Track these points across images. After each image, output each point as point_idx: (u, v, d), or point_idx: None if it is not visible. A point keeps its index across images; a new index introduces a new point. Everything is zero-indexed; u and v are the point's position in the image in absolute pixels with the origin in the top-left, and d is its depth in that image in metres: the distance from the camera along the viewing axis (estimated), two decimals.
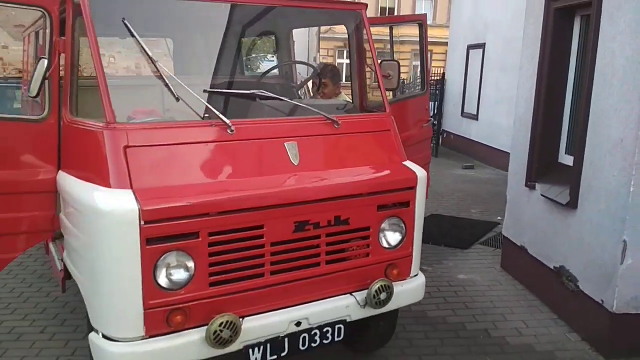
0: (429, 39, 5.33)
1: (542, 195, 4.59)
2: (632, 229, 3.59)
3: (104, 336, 2.57)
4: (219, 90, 3.33)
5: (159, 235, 2.48)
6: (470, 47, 13.52)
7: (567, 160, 4.65)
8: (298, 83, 4.62)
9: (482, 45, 12.73)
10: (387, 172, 3.17)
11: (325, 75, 4.11)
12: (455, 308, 4.57)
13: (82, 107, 2.96)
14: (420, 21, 5.41)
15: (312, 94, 4.04)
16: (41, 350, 3.85)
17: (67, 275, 3.19)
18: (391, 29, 4.48)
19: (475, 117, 12.81)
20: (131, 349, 2.52)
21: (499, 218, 7.23)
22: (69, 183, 2.80)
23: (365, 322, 3.31)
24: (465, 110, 13.48)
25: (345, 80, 4.23)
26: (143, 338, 2.55)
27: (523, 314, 4.48)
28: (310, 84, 4.46)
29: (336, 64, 21.18)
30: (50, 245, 3.68)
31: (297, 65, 5.05)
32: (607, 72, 3.81)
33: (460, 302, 4.68)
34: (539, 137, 4.77)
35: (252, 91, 3.05)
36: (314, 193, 2.84)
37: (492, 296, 4.82)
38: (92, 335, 2.63)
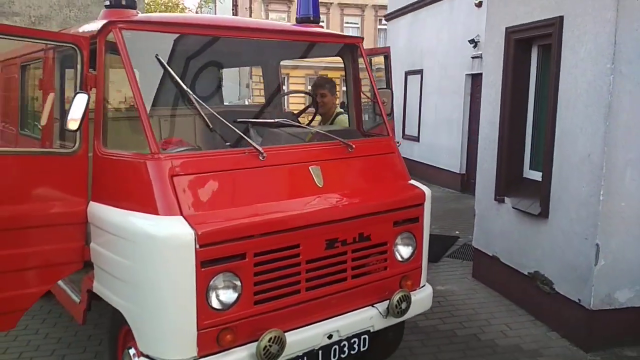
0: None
1: (513, 208, 5.03)
2: (603, 233, 4.05)
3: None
4: (253, 120, 3.50)
5: (211, 258, 2.61)
6: (408, 72, 14.27)
7: (532, 175, 5.13)
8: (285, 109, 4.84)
9: (419, 72, 13.49)
10: (399, 190, 3.45)
11: (324, 86, 4.33)
12: (442, 317, 4.88)
13: (113, 139, 3.04)
14: (385, 53, 5.81)
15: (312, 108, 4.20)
16: None
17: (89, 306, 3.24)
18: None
19: (416, 138, 13.47)
20: None
21: (457, 232, 7.70)
22: (108, 213, 2.86)
23: (374, 333, 3.52)
24: (406, 133, 14.13)
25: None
26: (195, 359, 2.65)
27: (504, 318, 4.86)
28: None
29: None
30: (60, 283, 3.64)
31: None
32: (571, 95, 4.31)
33: (445, 311, 4.99)
34: (505, 156, 5.23)
35: (277, 120, 3.25)
36: (343, 212, 3.07)
37: (472, 304, 5.18)
38: None
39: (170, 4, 18.32)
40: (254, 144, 2.99)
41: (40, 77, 4.00)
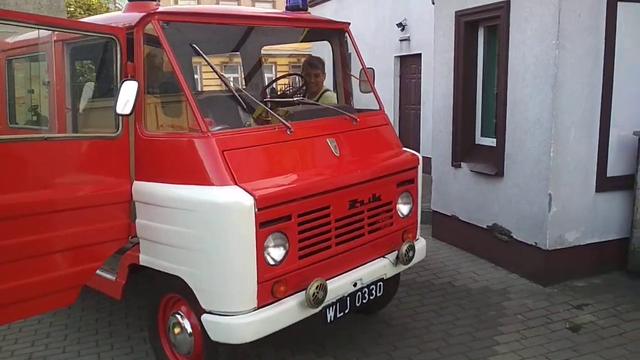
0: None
1: (471, 171, 5.72)
2: (554, 185, 4.80)
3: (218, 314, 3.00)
4: (279, 99, 3.85)
5: (266, 219, 2.99)
6: None
7: (484, 141, 5.85)
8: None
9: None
10: (399, 155, 3.96)
11: (317, 66, 4.67)
12: (417, 271, 5.47)
13: (152, 122, 3.30)
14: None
15: (303, 88, 4.56)
16: None
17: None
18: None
19: None
20: (250, 318, 2.98)
21: None
22: (160, 189, 3.13)
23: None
24: None
25: None
26: (255, 309, 3.02)
27: (470, 267, 5.55)
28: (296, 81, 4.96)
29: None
30: None
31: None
32: (520, 69, 5.01)
33: (418, 267, 5.56)
34: (460, 125, 5.90)
35: (295, 99, 3.64)
36: (361, 177, 3.53)
37: (439, 259, 5.84)
38: (206, 316, 3.03)
39: None
40: (283, 120, 3.36)
41: (40, 69, 4.09)
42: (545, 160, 4.80)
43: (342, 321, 4.18)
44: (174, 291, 3.36)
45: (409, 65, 12.03)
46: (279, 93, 4.72)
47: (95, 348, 4.16)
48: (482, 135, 5.92)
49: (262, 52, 5.33)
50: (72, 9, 16.66)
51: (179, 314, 3.40)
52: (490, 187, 5.53)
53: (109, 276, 3.65)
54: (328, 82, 4.88)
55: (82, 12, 17.12)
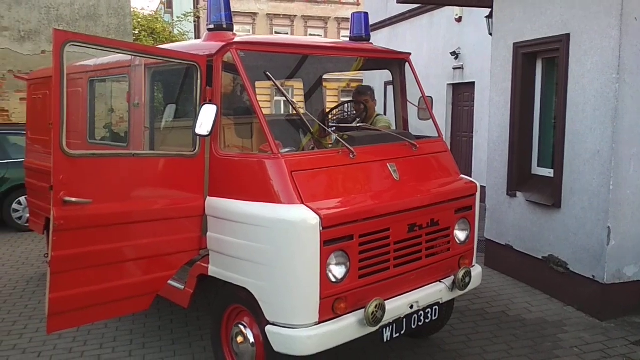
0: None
1: (527, 200, 5.72)
2: (613, 218, 4.76)
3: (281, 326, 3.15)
4: (343, 124, 4.05)
5: (330, 238, 3.14)
6: (387, 83, 15.02)
7: (540, 171, 5.85)
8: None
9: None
10: (457, 182, 4.06)
11: (366, 93, 4.85)
12: (470, 299, 5.49)
13: (226, 143, 3.53)
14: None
15: (357, 115, 4.75)
16: None
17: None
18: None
19: None
20: (312, 332, 3.12)
21: None
22: (231, 205, 3.35)
23: None
24: None
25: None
26: (316, 324, 3.16)
27: (524, 298, 5.52)
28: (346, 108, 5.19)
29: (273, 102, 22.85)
30: None
31: None
32: (579, 101, 5.04)
33: (471, 294, 5.59)
34: (516, 155, 5.93)
35: (357, 125, 3.81)
36: (421, 201, 3.65)
37: (492, 288, 5.83)
38: (270, 328, 3.19)
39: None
40: (347, 145, 3.53)
41: (124, 90, 4.42)
42: (605, 193, 4.79)
43: (395, 343, 4.27)
44: (239, 302, 3.54)
45: (462, 93, 12.09)
46: (333, 119, 4.90)
47: (159, 354, 4.38)
48: (538, 166, 5.93)
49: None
50: (136, 32, 17.54)
51: (242, 324, 3.57)
52: (546, 218, 5.52)
53: (178, 285, 3.87)
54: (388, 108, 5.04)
55: (147, 35, 18.00)
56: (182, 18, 20.14)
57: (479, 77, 11.16)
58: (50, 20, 12.78)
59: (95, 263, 3.09)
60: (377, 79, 15.61)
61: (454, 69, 11.98)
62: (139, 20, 18.18)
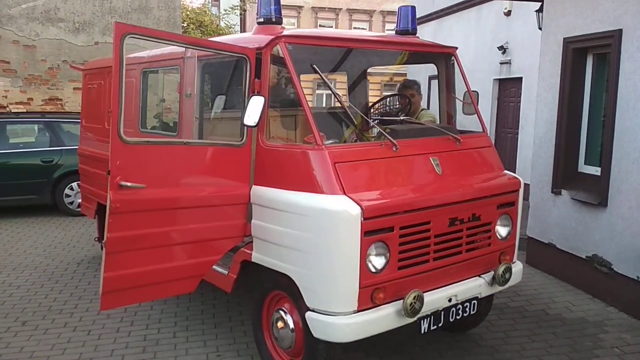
0: None
1: (572, 199, 5.63)
2: None
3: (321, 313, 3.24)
4: (387, 117, 4.11)
5: (370, 229, 3.20)
6: (432, 77, 14.88)
7: (587, 169, 5.74)
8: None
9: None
10: (501, 178, 4.05)
11: (412, 87, 4.88)
12: (510, 296, 5.45)
13: (272, 133, 3.63)
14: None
15: (401, 109, 4.78)
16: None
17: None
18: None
19: None
20: (351, 320, 3.20)
21: None
22: (276, 194, 3.45)
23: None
24: None
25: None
26: (355, 312, 3.23)
27: (565, 297, 5.45)
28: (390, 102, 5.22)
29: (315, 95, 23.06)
30: None
31: None
32: (630, 98, 4.92)
33: (510, 292, 5.56)
34: (562, 152, 5.84)
35: (402, 118, 3.85)
36: (462, 195, 3.67)
37: (532, 286, 5.77)
38: (310, 314, 3.28)
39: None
40: (390, 138, 3.58)
41: (174, 81, 4.58)
42: None
43: (432, 336, 4.30)
44: (280, 289, 3.65)
45: (508, 89, 11.88)
46: (375, 112, 4.93)
47: (202, 336, 4.56)
48: (585, 163, 5.82)
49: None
50: (185, 25, 17.93)
51: (282, 310, 3.68)
52: (591, 217, 5.42)
53: (222, 270, 4.01)
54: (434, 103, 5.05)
55: (195, 28, 18.39)
56: (229, 11, 20.45)
57: (527, 73, 10.94)
58: (103, 12, 13.20)
59: (147, 245, 3.25)
60: (422, 72, 15.53)
61: (501, 63, 11.78)
62: (188, 13, 18.56)
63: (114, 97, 3.00)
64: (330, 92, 3.70)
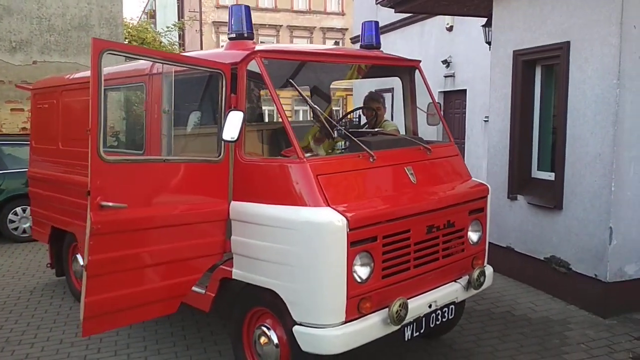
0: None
1: (528, 203, 5.87)
2: (615, 218, 4.93)
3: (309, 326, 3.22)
4: (362, 130, 4.15)
5: (356, 239, 3.23)
6: (379, 91, 15.22)
7: (540, 175, 6.01)
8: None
9: (390, 90, 14.47)
10: (470, 185, 4.18)
11: (379, 100, 4.96)
12: (475, 300, 5.60)
13: (250, 148, 3.61)
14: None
15: (367, 121, 4.85)
16: None
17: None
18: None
19: None
20: (340, 331, 3.21)
21: None
22: (257, 209, 3.42)
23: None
24: None
25: None
26: (343, 323, 3.24)
27: (527, 298, 5.66)
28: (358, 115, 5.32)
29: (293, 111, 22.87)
30: None
31: None
32: (581, 106, 5.21)
33: (475, 296, 5.66)
34: (516, 159, 6.09)
35: (376, 130, 3.92)
36: (439, 203, 3.77)
37: (495, 289, 5.94)
38: (298, 328, 3.26)
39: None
40: (367, 149, 3.64)
41: (138, 99, 4.48)
42: (606, 194, 4.95)
43: (411, 344, 4.35)
44: (262, 305, 3.61)
45: (453, 101, 12.32)
46: (343, 125, 4.99)
47: (176, 359, 4.42)
48: (538, 169, 6.09)
49: None
50: (127, 42, 17.53)
51: (265, 326, 3.64)
52: (548, 220, 5.67)
53: (199, 290, 3.92)
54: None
55: (137, 45, 18.01)
56: (171, 28, 20.19)
57: (470, 85, 11.41)
58: (41, 30, 12.70)
59: (129, 267, 3.15)
60: (368, 86, 15.86)
61: (445, 77, 12.21)
62: (129, 30, 18.17)
63: (93, 115, 2.91)
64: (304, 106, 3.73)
